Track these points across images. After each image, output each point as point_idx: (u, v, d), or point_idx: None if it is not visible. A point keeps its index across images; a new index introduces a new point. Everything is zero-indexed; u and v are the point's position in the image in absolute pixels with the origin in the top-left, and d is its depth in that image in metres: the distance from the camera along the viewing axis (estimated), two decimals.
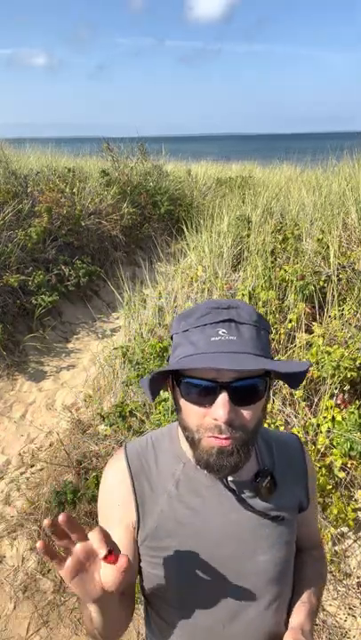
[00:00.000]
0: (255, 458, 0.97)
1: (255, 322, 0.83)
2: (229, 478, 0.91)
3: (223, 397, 0.79)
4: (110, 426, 3.03)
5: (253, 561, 0.91)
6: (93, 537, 0.70)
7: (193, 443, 0.85)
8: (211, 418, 0.81)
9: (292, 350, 2.98)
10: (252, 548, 0.91)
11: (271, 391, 0.93)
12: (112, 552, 0.68)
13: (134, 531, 0.94)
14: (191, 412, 0.84)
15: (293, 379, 0.90)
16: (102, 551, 0.68)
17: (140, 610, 1.62)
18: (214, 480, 0.91)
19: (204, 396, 0.81)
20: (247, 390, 0.81)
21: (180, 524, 0.91)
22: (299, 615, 0.94)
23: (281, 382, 2.77)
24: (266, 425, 2.62)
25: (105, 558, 0.68)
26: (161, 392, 0.92)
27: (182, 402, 0.85)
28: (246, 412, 0.82)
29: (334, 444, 2.44)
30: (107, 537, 0.70)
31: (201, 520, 0.91)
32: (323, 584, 1.07)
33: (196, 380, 0.81)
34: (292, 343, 3.05)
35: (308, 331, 3.15)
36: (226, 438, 0.81)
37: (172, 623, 0.95)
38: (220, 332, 0.80)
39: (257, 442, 0.99)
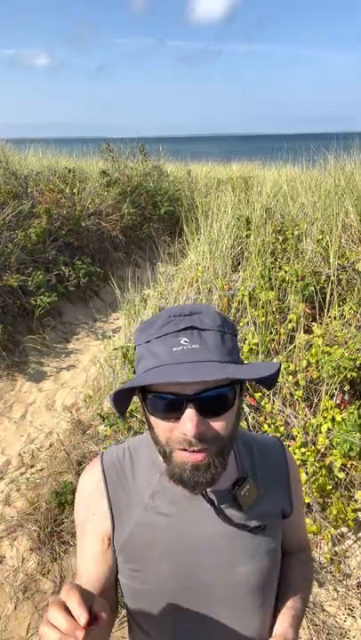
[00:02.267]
0: (235, 464, 0.94)
1: (219, 327, 0.79)
2: (208, 488, 0.88)
3: (190, 411, 0.76)
4: (110, 426, 3.03)
5: (233, 572, 0.89)
6: (71, 603, 0.61)
7: (165, 456, 0.82)
8: (180, 432, 0.78)
9: (291, 351, 2.99)
10: (230, 560, 0.89)
11: (243, 395, 0.89)
12: (92, 614, 0.62)
13: (110, 541, 0.92)
14: (160, 426, 0.80)
15: (265, 380, 0.86)
16: (83, 619, 0.60)
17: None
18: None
19: (171, 410, 0.78)
20: (215, 400, 0.77)
21: (157, 536, 0.89)
22: (282, 622, 0.91)
23: (281, 382, 2.78)
24: (266, 426, 2.62)
25: (87, 625, 0.60)
26: None
27: (151, 418, 0.82)
28: (217, 423, 0.79)
29: (334, 444, 2.45)
30: (83, 595, 0.62)
31: (177, 532, 0.89)
32: (309, 588, 1.04)
33: (162, 395, 0.78)
34: (291, 343, 3.05)
35: (309, 331, 3.15)
36: (199, 452, 0.78)
37: (151, 634, 0.94)
38: (181, 342, 0.76)
39: (237, 447, 0.97)
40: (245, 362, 0.85)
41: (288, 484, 0.99)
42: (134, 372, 0.85)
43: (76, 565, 2.51)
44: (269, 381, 0.86)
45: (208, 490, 0.88)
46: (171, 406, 0.78)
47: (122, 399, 0.82)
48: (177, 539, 0.89)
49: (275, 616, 0.95)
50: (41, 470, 3.23)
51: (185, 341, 0.76)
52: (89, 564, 0.93)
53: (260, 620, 0.93)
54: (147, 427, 0.88)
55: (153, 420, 0.81)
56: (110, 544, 0.93)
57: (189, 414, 0.76)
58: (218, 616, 0.91)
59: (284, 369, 2.83)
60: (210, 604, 0.90)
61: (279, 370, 0.82)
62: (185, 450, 0.79)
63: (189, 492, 0.83)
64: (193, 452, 0.78)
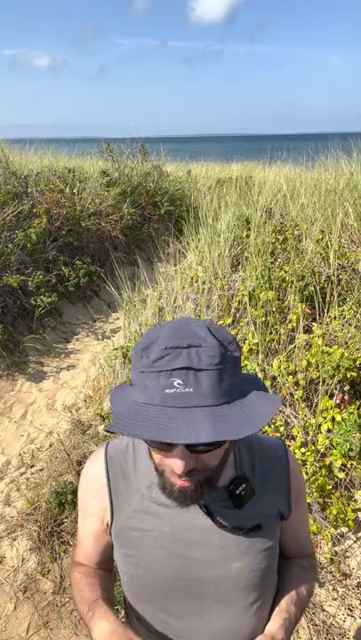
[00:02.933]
0: (233, 463, 0.95)
1: (217, 364, 0.73)
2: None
3: (179, 451, 0.77)
4: None
5: (226, 567, 0.91)
6: None
7: (157, 471, 0.86)
8: (170, 463, 0.81)
9: (291, 351, 2.99)
10: (223, 555, 0.91)
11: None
12: None
13: (107, 526, 0.98)
14: (152, 452, 0.85)
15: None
16: None
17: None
18: None
19: (162, 447, 0.80)
20: (206, 445, 0.78)
21: (152, 524, 0.92)
22: (274, 623, 0.92)
23: (281, 382, 2.78)
24: (265, 426, 2.62)
25: None
26: None
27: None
28: (207, 456, 0.80)
29: (334, 444, 2.45)
30: None
31: (171, 522, 0.91)
32: (308, 594, 1.03)
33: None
34: (291, 343, 3.05)
35: (309, 331, 3.15)
36: (187, 481, 0.81)
37: (145, 621, 0.97)
38: (175, 384, 0.73)
39: (237, 446, 0.98)
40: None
41: (288, 487, 0.99)
42: (130, 383, 0.85)
43: None
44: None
45: None
46: (161, 445, 0.79)
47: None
48: (171, 529, 0.91)
49: (270, 617, 0.96)
50: (41, 470, 3.23)
51: (178, 384, 0.72)
52: (90, 540, 1.03)
53: (253, 618, 0.94)
54: None
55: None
56: (108, 527, 0.98)
57: (178, 453, 0.77)
58: (209, 610, 0.92)
59: (284, 369, 2.83)
60: (202, 598, 0.92)
61: (274, 411, 0.77)
62: (175, 476, 0.81)
63: (177, 505, 0.86)
64: (182, 480, 0.81)
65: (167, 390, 0.73)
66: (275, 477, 0.98)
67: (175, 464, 0.77)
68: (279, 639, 0.89)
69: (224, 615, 0.92)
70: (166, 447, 0.78)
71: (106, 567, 1.07)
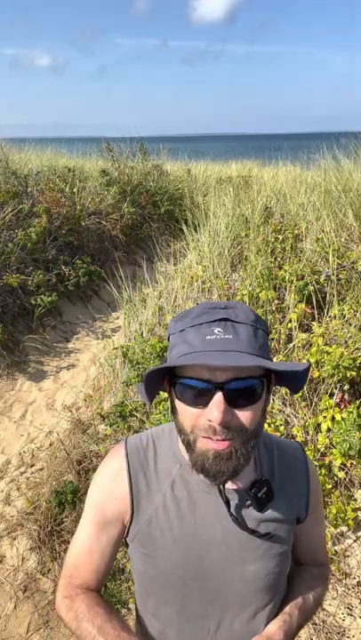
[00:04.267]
0: (253, 466, 0.94)
1: (253, 322, 0.81)
2: (226, 485, 0.89)
3: (218, 398, 0.77)
4: (110, 426, 3.03)
5: (242, 569, 0.90)
6: None
7: (189, 445, 0.83)
8: (205, 419, 0.79)
9: (291, 350, 2.99)
10: (240, 557, 0.90)
11: (270, 394, 0.89)
12: None
13: (126, 526, 0.95)
14: (186, 413, 0.81)
15: (294, 381, 0.87)
16: None
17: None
18: (210, 485, 0.89)
19: (199, 396, 0.79)
20: (243, 391, 0.79)
21: (172, 524, 0.91)
22: (273, 625, 0.91)
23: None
24: (265, 425, 2.63)
25: None
26: (161, 392, 0.92)
27: (177, 403, 0.83)
28: (243, 414, 0.79)
29: (334, 443, 2.45)
30: None
31: (191, 522, 0.91)
32: (315, 602, 1.01)
33: (191, 381, 0.79)
34: (290, 342, 3.05)
35: (309, 331, 3.15)
36: (223, 440, 0.79)
37: (158, 624, 0.96)
38: (215, 331, 0.78)
39: (258, 448, 0.96)
40: None
41: (307, 490, 0.99)
42: (162, 361, 0.86)
43: None
44: (299, 380, 0.87)
45: (226, 487, 0.90)
46: (199, 392, 0.79)
47: (151, 385, 0.85)
48: (190, 529, 0.91)
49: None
50: (41, 470, 3.23)
51: (219, 331, 0.78)
52: (105, 551, 0.95)
53: (265, 621, 0.94)
54: (171, 414, 0.90)
55: (179, 405, 0.83)
56: (127, 529, 0.95)
57: (217, 401, 0.77)
58: (223, 611, 0.92)
59: None
60: (216, 599, 0.92)
61: (309, 370, 0.83)
62: (209, 438, 0.80)
63: (210, 481, 0.84)
64: (217, 440, 0.79)
65: (208, 337, 0.78)
66: (294, 480, 0.98)
67: (213, 413, 0.77)
68: None
69: (237, 617, 0.92)
70: (204, 399, 0.79)
71: (100, 583, 0.97)
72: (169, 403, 0.90)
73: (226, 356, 0.76)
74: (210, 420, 0.78)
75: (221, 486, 0.87)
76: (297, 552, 1.06)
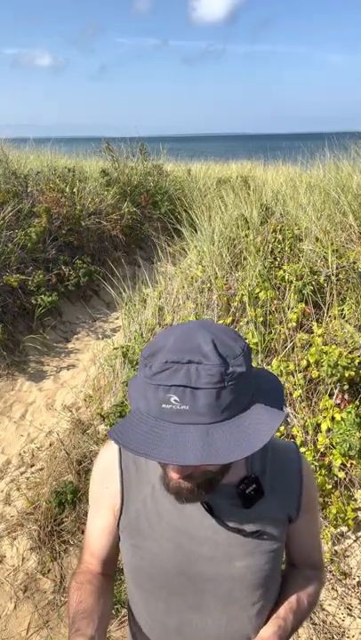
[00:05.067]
0: (244, 462, 0.94)
1: (216, 383, 0.72)
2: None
3: (173, 470, 0.79)
4: (110, 426, 3.03)
5: (230, 565, 0.91)
6: None
7: (160, 464, 0.86)
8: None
9: (291, 350, 2.99)
10: (228, 553, 0.90)
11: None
12: None
13: (117, 516, 0.98)
14: None
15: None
16: None
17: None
18: None
19: None
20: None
21: (161, 516, 0.92)
22: (268, 629, 0.92)
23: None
24: None
25: None
26: None
27: None
28: (204, 466, 0.80)
29: (333, 443, 2.45)
30: None
31: (180, 516, 0.92)
32: (309, 605, 1.01)
33: None
34: (291, 343, 3.05)
35: (308, 331, 3.15)
36: (183, 481, 0.81)
37: (147, 614, 0.98)
38: (172, 400, 0.73)
39: None
40: None
41: (300, 490, 0.98)
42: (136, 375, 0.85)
43: (76, 565, 2.51)
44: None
45: None
46: None
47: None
48: (178, 522, 0.92)
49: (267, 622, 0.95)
50: (41, 470, 3.23)
51: (175, 400, 0.72)
52: (100, 533, 1.02)
53: (253, 619, 0.94)
54: None
55: None
56: (117, 518, 0.98)
57: (173, 467, 0.79)
58: (210, 607, 0.92)
59: (284, 368, 2.83)
60: (202, 594, 0.92)
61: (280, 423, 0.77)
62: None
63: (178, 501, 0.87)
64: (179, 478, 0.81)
65: (164, 405, 0.73)
66: (286, 479, 0.97)
67: (171, 474, 0.79)
68: None
69: (224, 613, 0.92)
70: None
71: (109, 571, 1.06)
72: None
73: (177, 437, 0.71)
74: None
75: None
76: (290, 552, 1.06)
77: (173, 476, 0.80)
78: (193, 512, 0.91)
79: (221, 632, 0.93)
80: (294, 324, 3.13)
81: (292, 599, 0.98)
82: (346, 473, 2.49)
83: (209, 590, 0.91)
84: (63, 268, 5.74)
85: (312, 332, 3.02)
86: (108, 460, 1.00)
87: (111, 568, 1.07)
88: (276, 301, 3.37)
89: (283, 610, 0.96)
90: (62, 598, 2.42)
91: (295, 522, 0.99)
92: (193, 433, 0.71)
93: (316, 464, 2.43)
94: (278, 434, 2.58)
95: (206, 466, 0.80)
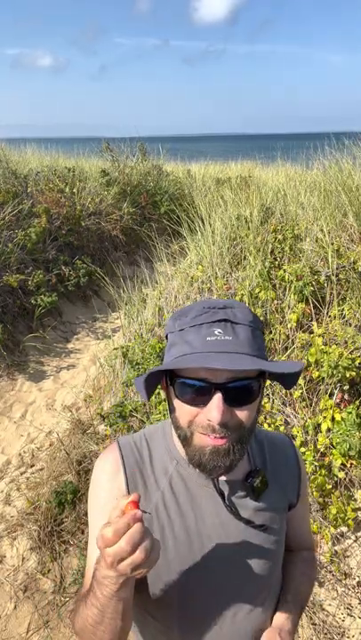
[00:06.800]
0: (247, 457, 0.97)
1: (251, 322, 0.82)
2: (221, 478, 0.91)
3: (218, 398, 0.78)
4: (110, 426, 3.03)
5: (242, 561, 0.92)
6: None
7: (185, 440, 0.84)
8: (205, 418, 0.80)
9: (291, 350, 2.99)
10: (239, 549, 0.92)
11: (265, 391, 0.92)
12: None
13: None
14: (184, 411, 0.83)
15: (288, 379, 0.90)
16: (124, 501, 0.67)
17: None
18: (207, 480, 0.91)
19: (199, 396, 0.80)
20: (242, 391, 0.80)
21: (172, 520, 0.92)
22: (280, 616, 0.95)
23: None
24: (266, 425, 2.63)
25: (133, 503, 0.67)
26: (162, 392, 0.93)
27: (176, 402, 0.84)
28: (241, 413, 0.81)
29: (334, 443, 2.45)
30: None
31: (192, 518, 0.92)
32: (311, 586, 1.07)
33: (191, 381, 0.80)
34: (292, 343, 3.05)
35: (308, 331, 3.15)
36: (221, 438, 0.80)
37: (158, 618, 0.96)
38: (215, 332, 0.79)
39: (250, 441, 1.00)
40: None
41: (299, 478, 1.04)
42: (161, 360, 0.86)
43: (75, 565, 2.51)
44: (293, 378, 0.89)
45: (221, 479, 0.91)
46: (199, 392, 0.80)
47: (150, 383, 0.85)
48: (191, 524, 0.91)
49: (275, 609, 0.98)
50: (41, 470, 3.23)
51: (219, 332, 0.79)
52: None
53: (264, 609, 0.95)
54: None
55: (178, 403, 0.84)
56: None
57: (217, 402, 0.78)
58: (225, 604, 0.93)
59: None
60: (218, 592, 0.92)
61: (302, 369, 0.84)
62: (206, 435, 0.81)
63: (206, 475, 0.86)
64: (215, 437, 0.81)
65: (208, 338, 0.79)
66: (285, 469, 1.02)
67: (212, 413, 0.78)
68: (287, 630, 0.92)
69: (240, 609, 0.93)
70: (203, 398, 0.80)
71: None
72: (166, 400, 0.91)
73: (227, 358, 0.77)
74: (209, 420, 0.80)
75: (215, 480, 0.90)
76: (289, 539, 1.07)
77: (213, 421, 0.78)
78: (204, 512, 0.92)
79: (235, 625, 0.93)
80: (294, 324, 3.13)
81: (296, 583, 1.03)
82: (346, 473, 2.49)
83: (224, 588, 0.92)
84: (63, 268, 5.74)
85: (312, 332, 3.02)
86: (111, 468, 0.94)
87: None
88: (276, 301, 3.37)
89: (289, 595, 0.99)
90: (62, 598, 2.42)
91: (294, 508, 1.03)
92: (240, 357, 0.78)
93: (316, 464, 2.43)
94: None
95: (242, 415, 0.81)
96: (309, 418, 2.65)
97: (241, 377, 0.80)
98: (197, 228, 4.94)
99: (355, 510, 2.41)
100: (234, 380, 0.79)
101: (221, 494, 0.90)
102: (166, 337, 0.89)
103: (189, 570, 0.91)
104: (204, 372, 0.79)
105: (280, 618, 0.94)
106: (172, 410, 0.87)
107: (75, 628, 0.89)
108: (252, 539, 0.92)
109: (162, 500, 0.93)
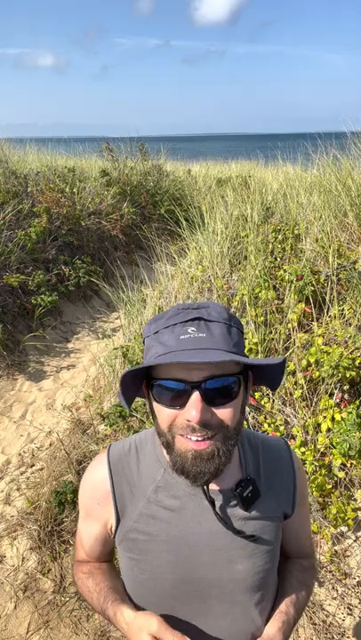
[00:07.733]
0: (238, 465, 0.94)
1: (226, 320, 0.82)
2: (211, 487, 0.89)
3: (195, 397, 0.77)
4: (110, 426, 3.03)
5: (230, 569, 0.90)
6: None
7: (168, 446, 0.83)
8: (183, 418, 0.79)
9: (291, 350, 2.99)
10: (228, 557, 0.90)
11: (248, 392, 0.90)
12: None
13: (111, 530, 0.96)
14: (164, 414, 0.81)
15: (271, 378, 0.88)
16: None
17: None
18: (195, 488, 0.89)
19: (177, 397, 0.79)
20: (220, 389, 0.79)
21: (158, 529, 0.91)
22: (272, 626, 0.92)
23: None
24: (266, 425, 2.63)
25: None
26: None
27: (156, 406, 0.83)
28: (222, 412, 0.80)
29: (334, 443, 2.45)
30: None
31: (178, 526, 0.90)
32: (307, 595, 1.03)
33: (167, 382, 0.79)
34: (293, 343, 3.05)
35: (308, 331, 3.15)
36: (203, 440, 0.79)
37: None
38: (188, 330, 0.79)
39: (242, 447, 0.97)
40: None
41: (293, 487, 0.99)
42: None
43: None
44: (276, 377, 0.88)
45: (212, 488, 0.89)
46: (176, 393, 0.79)
47: (128, 389, 0.84)
48: (178, 533, 0.90)
49: (270, 616, 0.96)
50: (41, 470, 3.23)
51: (192, 330, 0.79)
52: (92, 541, 1.02)
53: (256, 618, 0.94)
54: (151, 421, 0.91)
55: (157, 407, 0.83)
56: (112, 532, 0.97)
57: (194, 400, 0.77)
58: (214, 611, 0.92)
59: None
60: (206, 599, 0.91)
61: (284, 364, 0.84)
62: (187, 438, 0.79)
63: (191, 483, 0.84)
64: (196, 440, 0.79)
65: (182, 336, 0.79)
66: (280, 478, 0.98)
67: (190, 413, 0.77)
68: None
69: (228, 616, 0.92)
70: (181, 400, 0.78)
71: (108, 559, 1.09)
72: (148, 408, 0.92)
73: (199, 353, 0.76)
74: (188, 420, 0.78)
75: (205, 487, 0.87)
76: (285, 546, 1.06)
77: (193, 420, 0.77)
78: (192, 520, 0.90)
79: (226, 635, 0.93)
80: (295, 324, 3.13)
81: (292, 592, 0.99)
82: (346, 473, 2.49)
83: (212, 595, 0.91)
84: (63, 267, 5.74)
85: (312, 332, 3.02)
86: (98, 477, 0.97)
87: (110, 558, 1.09)
88: (276, 301, 3.37)
89: (284, 605, 0.96)
90: (62, 598, 2.42)
91: (290, 517, 1.00)
92: (214, 352, 0.77)
93: (316, 464, 2.43)
94: (278, 434, 2.58)
95: (223, 414, 0.80)
96: (309, 418, 2.65)
97: (218, 374, 0.78)
98: (198, 228, 4.94)
99: (355, 510, 2.41)
100: (212, 378, 0.78)
101: (212, 503, 0.88)
102: (143, 342, 0.88)
103: (177, 578, 0.90)
104: (181, 373, 0.78)
105: (272, 628, 0.91)
106: (154, 417, 0.86)
107: (76, 584, 1.06)
108: (242, 548, 0.90)
109: (147, 507, 0.92)
